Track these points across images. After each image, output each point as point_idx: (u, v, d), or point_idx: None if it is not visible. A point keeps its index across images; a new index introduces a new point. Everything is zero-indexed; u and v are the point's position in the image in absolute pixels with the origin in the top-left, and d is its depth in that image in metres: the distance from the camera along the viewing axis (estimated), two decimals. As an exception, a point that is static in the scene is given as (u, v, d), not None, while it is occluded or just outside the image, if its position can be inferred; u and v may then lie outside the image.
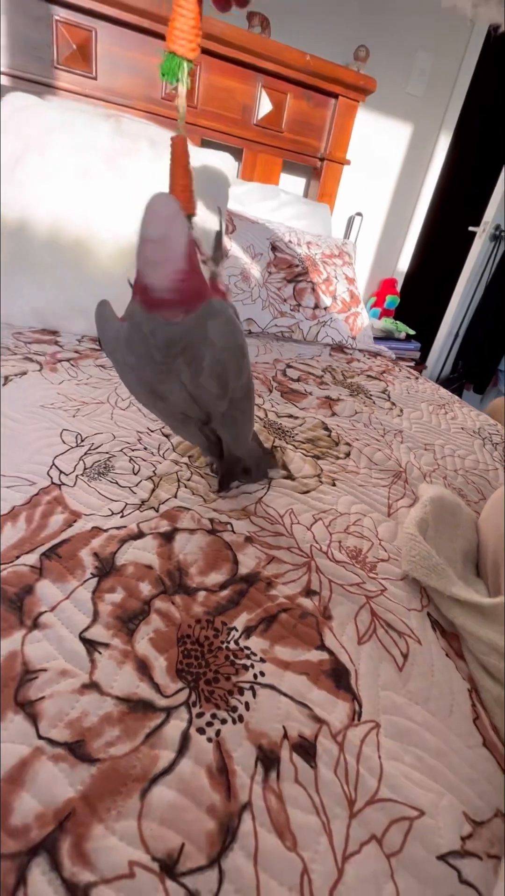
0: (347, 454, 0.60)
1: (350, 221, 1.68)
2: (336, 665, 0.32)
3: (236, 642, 0.31)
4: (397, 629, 0.35)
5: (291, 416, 0.68)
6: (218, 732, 0.26)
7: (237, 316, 0.36)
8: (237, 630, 0.32)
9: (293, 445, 0.59)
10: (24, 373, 0.63)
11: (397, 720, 0.30)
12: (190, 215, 0.30)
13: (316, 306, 1.08)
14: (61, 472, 0.44)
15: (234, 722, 0.27)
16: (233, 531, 0.41)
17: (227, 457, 0.44)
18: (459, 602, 0.36)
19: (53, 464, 0.45)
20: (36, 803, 0.22)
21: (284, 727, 0.27)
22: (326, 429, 0.65)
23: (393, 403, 0.82)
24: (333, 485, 0.52)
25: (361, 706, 0.29)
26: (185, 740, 0.25)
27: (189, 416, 0.37)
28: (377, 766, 0.27)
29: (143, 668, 0.28)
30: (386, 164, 1.70)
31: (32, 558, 0.34)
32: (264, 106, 1.30)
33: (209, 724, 0.26)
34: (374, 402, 0.80)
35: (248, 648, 0.31)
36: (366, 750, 0.27)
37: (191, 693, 0.28)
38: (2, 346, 0.69)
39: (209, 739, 0.26)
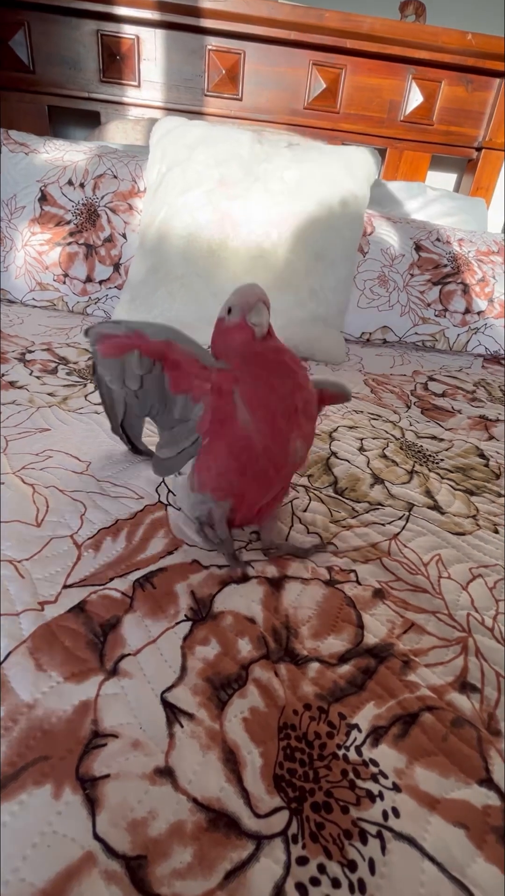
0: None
1: (511, 216, 1.45)
2: (513, 822, 0.21)
3: (358, 750, 0.22)
4: None
5: (434, 437, 0.56)
6: (327, 901, 0.18)
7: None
8: (360, 730, 0.23)
9: (438, 474, 0.47)
10: (150, 381, 0.62)
11: None
12: None
13: (467, 311, 0.93)
14: (170, 490, 0.40)
15: (351, 889, 0.18)
16: (358, 582, 0.32)
17: None
18: None
19: (163, 480, 0.42)
20: (74, 945, 0.16)
21: (430, 923, 0.17)
22: (483, 456, 0.52)
23: None
24: (496, 531, 0.40)
25: None
26: (278, 900, 0.18)
27: None
28: None
29: (232, 761, 0.21)
30: None
31: (125, 584, 0.30)
32: (414, 99, 1.19)
33: (315, 881, 0.18)
34: (546, 426, 0.63)
35: (375, 764, 0.22)
36: None
37: (291, 819, 0.20)
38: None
39: (313, 910, 0.17)
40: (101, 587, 0.30)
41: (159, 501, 0.39)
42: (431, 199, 1.17)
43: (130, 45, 1.10)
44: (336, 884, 0.18)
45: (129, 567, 0.32)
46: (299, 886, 0.18)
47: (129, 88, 1.15)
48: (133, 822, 0.19)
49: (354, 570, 0.33)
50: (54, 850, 0.18)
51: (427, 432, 0.57)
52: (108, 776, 0.21)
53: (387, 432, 0.55)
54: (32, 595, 0.29)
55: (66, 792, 0.20)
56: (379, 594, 0.32)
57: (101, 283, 0.90)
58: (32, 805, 0.19)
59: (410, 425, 0.59)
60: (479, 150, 1.26)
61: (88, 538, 0.34)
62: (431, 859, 0.19)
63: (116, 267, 0.89)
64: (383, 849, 0.19)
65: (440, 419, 0.62)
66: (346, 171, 0.82)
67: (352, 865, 0.19)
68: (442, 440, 0.55)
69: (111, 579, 0.31)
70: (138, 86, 1.14)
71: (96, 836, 0.19)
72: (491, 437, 0.58)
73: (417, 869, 0.19)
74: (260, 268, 0.77)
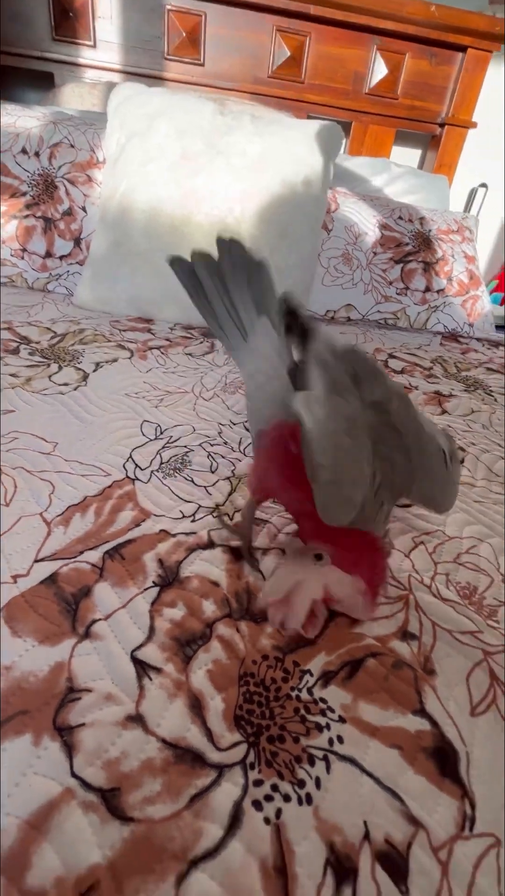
0: (461, 461, 0.50)
1: (472, 194, 1.48)
2: (440, 742, 0.24)
3: (310, 691, 0.25)
4: (528, 703, 0.27)
5: (391, 413, 0.59)
6: (279, 812, 0.21)
7: None
8: (312, 675, 0.26)
9: (393, 447, 0.51)
10: (115, 360, 0.62)
11: (527, 838, 0.21)
12: None
13: (427, 289, 0.96)
14: (137, 465, 0.42)
15: (300, 802, 0.21)
16: (315, 546, 0.35)
17: None
18: None
19: (130, 456, 0.43)
20: (58, 863, 0.18)
21: (365, 823, 0.21)
22: (435, 430, 0.56)
23: (520, 402, 0.68)
24: (442, 498, 0.43)
25: (473, 808, 0.22)
26: (237, 814, 0.20)
27: None
28: (498, 908, 0.19)
29: (197, 706, 0.24)
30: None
31: (95, 556, 0.32)
32: (378, 71, 1.19)
33: (268, 797, 0.21)
34: (495, 400, 0.67)
35: (324, 701, 0.25)
36: (481, 882, 0.20)
37: (249, 750, 0.23)
38: (96, 334, 0.70)
39: (267, 820, 0.20)
40: (72, 560, 0.31)
41: (127, 476, 0.40)
42: (396, 175, 1.18)
43: (84, 0, 1.03)
44: (287, 798, 0.21)
45: (98, 541, 0.33)
46: (255, 803, 0.21)
47: (84, 49, 1.09)
48: (108, 762, 0.22)
49: (311, 537, 0.36)
50: (36, 788, 0.20)
51: (385, 408, 0.60)
52: (83, 725, 0.23)
53: (347, 409, 0.58)
54: (5, 569, 0.30)
55: (45, 739, 0.22)
56: (334, 558, 0.35)
57: (61, 258, 0.87)
58: (14, 752, 0.21)
59: (370, 402, 0.61)
60: (442, 126, 1.27)
61: (58, 515, 0.35)
62: (369, 775, 0.22)
63: (77, 242, 0.87)
64: (328, 769, 0.22)
65: (398, 395, 0.65)
66: (310, 146, 0.82)
67: (301, 783, 0.22)
68: (399, 415, 0.59)
69: (81, 552, 0.32)
70: (94, 46, 1.09)
71: (74, 775, 0.21)
72: (444, 412, 0.61)
73: (357, 783, 0.22)
74: (225, 245, 0.77)
